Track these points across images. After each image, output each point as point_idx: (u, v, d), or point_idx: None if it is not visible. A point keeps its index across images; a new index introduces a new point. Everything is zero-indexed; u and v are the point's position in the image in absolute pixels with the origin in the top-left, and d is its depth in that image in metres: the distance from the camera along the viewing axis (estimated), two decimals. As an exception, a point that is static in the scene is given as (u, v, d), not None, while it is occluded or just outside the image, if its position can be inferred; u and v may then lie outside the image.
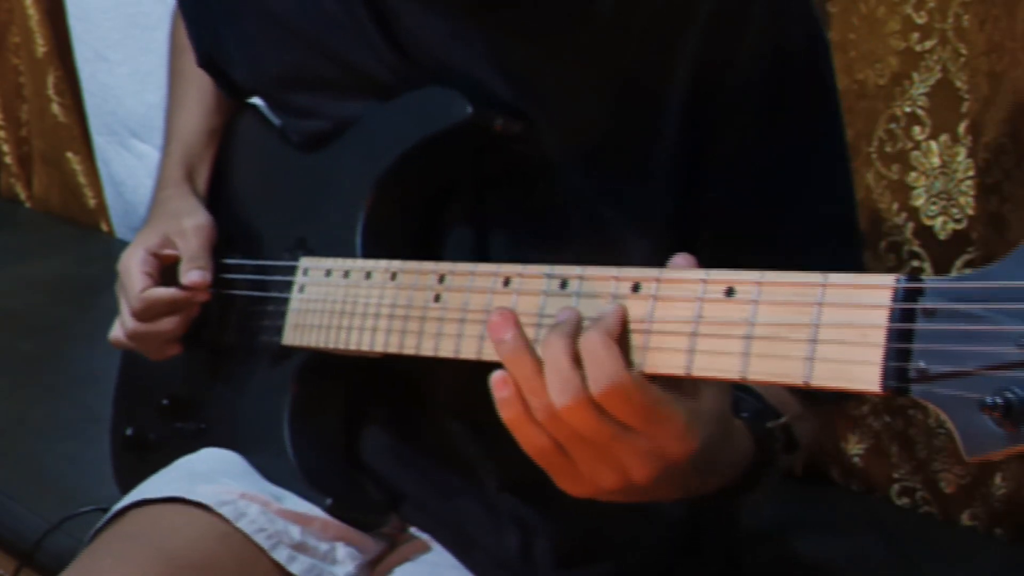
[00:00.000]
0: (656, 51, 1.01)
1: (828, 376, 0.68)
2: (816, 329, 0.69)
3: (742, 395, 0.92)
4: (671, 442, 0.76)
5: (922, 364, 0.64)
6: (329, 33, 1.10)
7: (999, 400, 0.61)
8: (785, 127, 1.03)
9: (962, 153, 1.46)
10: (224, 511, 1.07)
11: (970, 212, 1.47)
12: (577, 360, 0.76)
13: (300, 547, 1.07)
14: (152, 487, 1.13)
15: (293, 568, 1.06)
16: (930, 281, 0.65)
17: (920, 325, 0.64)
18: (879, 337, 0.66)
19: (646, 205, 1.03)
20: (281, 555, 1.06)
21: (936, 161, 1.48)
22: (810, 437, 1.01)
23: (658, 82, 1.01)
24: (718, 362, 0.73)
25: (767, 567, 1.37)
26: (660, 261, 0.79)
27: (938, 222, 1.50)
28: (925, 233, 1.50)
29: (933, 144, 1.48)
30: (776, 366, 0.70)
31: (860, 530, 1.56)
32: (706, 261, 0.76)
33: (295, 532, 1.07)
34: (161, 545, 1.04)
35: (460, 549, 1.12)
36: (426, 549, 1.13)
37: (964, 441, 0.62)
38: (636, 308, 0.77)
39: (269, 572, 1.06)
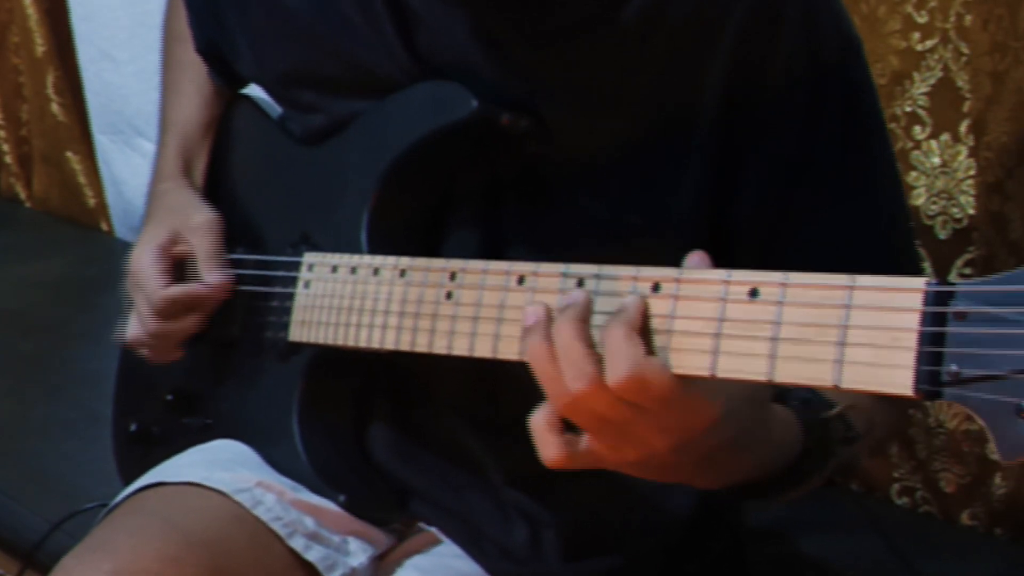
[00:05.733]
0: (685, 60, 1.00)
1: (859, 379, 0.68)
2: (845, 332, 0.68)
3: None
4: (691, 416, 0.76)
5: (954, 368, 0.64)
6: (340, 32, 1.10)
7: None
8: (822, 137, 1.01)
9: (963, 153, 1.46)
10: (241, 498, 1.08)
11: (971, 211, 1.47)
12: (590, 345, 0.76)
13: (315, 537, 1.08)
14: (169, 471, 1.13)
15: (309, 556, 1.07)
16: (960, 284, 0.65)
17: (952, 328, 0.64)
18: (911, 340, 0.66)
19: (669, 217, 1.02)
20: (298, 543, 1.07)
21: (936, 160, 1.49)
22: (879, 433, 0.99)
23: (688, 91, 1.00)
24: (743, 364, 0.72)
25: (769, 565, 1.37)
26: None
27: (938, 221, 1.50)
28: (925, 233, 1.50)
29: (934, 143, 1.48)
30: (804, 369, 0.70)
31: (860, 530, 1.56)
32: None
33: (309, 523, 1.08)
34: (177, 523, 1.05)
35: (468, 541, 1.12)
36: (434, 542, 1.13)
37: (999, 444, 0.62)
38: (657, 307, 0.76)
39: (283, 557, 1.07)
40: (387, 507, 1.13)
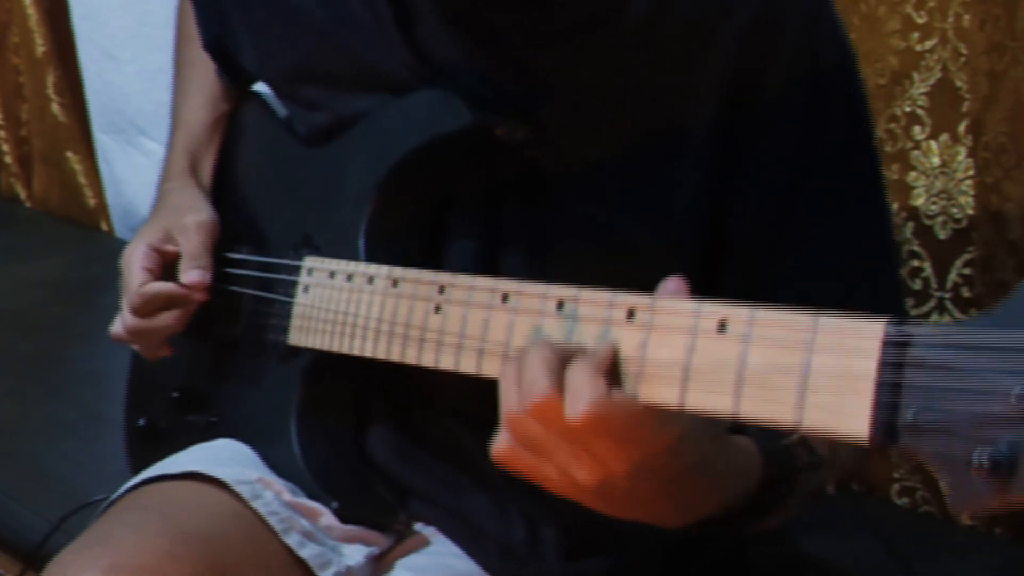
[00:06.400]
0: (685, 64, 1.00)
1: (818, 421, 0.67)
2: (806, 374, 0.68)
3: None
4: (649, 440, 0.77)
5: (910, 416, 0.63)
6: (343, 28, 1.10)
7: (985, 460, 0.60)
8: (822, 142, 1.02)
9: (962, 153, 1.46)
10: (241, 489, 1.08)
11: (970, 211, 1.47)
12: (551, 372, 0.76)
13: (310, 535, 1.08)
14: (171, 464, 1.14)
15: (303, 553, 1.07)
16: (919, 331, 0.64)
17: (909, 378, 0.64)
18: (868, 387, 0.65)
19: (668, 223, 1.03)
20: (292, 540, 1.07)
21: (936, 161, 1.48)
22: (847, 459, 0.99)
23: (687, 94, 1.00)
24: (710, 399, 0.72)
25: (769, 566, 1.37)
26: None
27: (938, 221, 1.50)
28: (925, 232, 1.51)
29: (933, 144, 1.48)
30: (767, 408, 0.70)
31: (860, 529, 1.56)
32: (726, 283, 0.76)
33: (305, 523, 1.09)
34: (175, 519, 1.05)
35: (467, 540, 1.12)
36: (431, 541, 1.13)
37: (951, 496, 0.62)
38: (630, 336, 0.77)
39: (279, 554, 1.07)
40: (383, 512, 1.13)
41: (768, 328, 0.71)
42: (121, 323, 1.20)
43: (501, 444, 0.80)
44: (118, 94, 2.56)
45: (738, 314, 0.72)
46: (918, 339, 0.64)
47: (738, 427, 0.87)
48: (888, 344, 0.65)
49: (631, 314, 0.77)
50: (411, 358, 0.95)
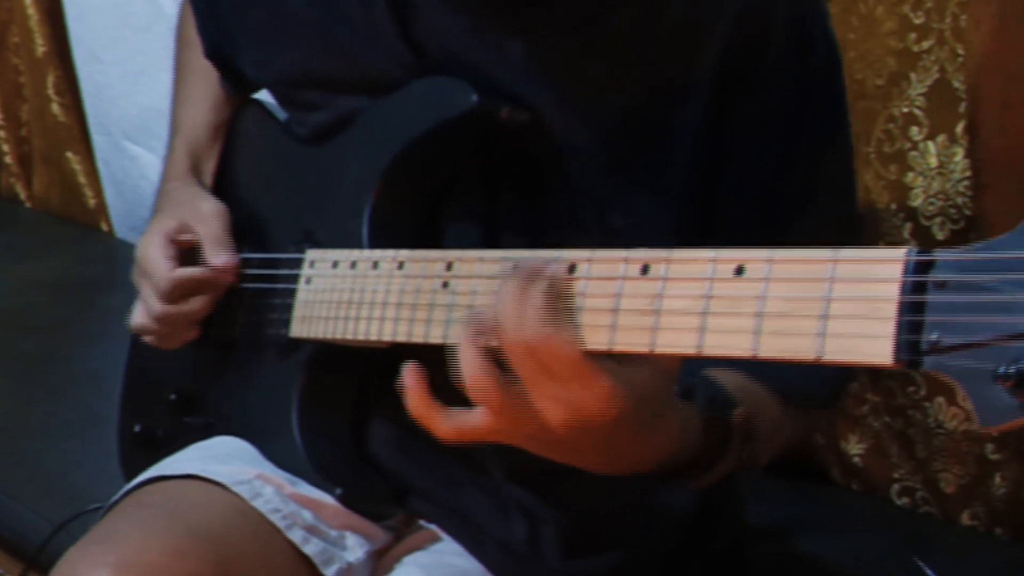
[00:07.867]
0: (676, 63, 1.02)
1: (840, 351, 0.68)
2: (827, 304, 0.68)
3: (697, 383, 0.92)
4: (591, 400, 0.78)
5: (934, 336, 0.64)
6: (340, 29, 1.11)
7: (1012, 370, 0.60)
8: (801, 142, 1.04)
9: (960, 153, 1.46)
10: (240, 490, 1.09)
11: (968, 212, 1.47)
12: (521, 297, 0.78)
13: (312, 530, 1.09)
14: (169, 466, 1.14)
15: (307, 549, 1.08)
16: (941, 253, 0.65)
17: (931, 297, 0.64)
18: (891, 310, 0.65)
19: (658, 215, 1.04)
20: (296, 536, 1.08)
21: (934, 161, 1.48)
22: (786, 436, 1.02)
23: (676, 94, 1.02)
24: (729, 340, 0.73)
25: (769, 565, 1.37)
26: None
27: (936, 222, 1.50)
28: (923, 233, 1.50)
29: (931, 144, 1.48)
30: (788, 343, 0.70)
31: (860, 529, 1.56)
32: None
33: (307, 515, 1.09)
34: (181, 516, 1.06)
35: (468, 538, 1.12)
36: (433, 539, 1.14)
37: (979, 412, 0.62)
38: (646, 289, 0.77)
39: (285, 551, 1.08)
40: (384, 502, 1.14)
41: (788, 266, 0.71)
42: (146, 312, 1.20)
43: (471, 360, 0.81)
44: (105, 97, 2.56)
45: (756, 255, 0.72)
46: (939, 260, 0.65)
47: (684, 393, 0.89)
48: (909, 267, 0.65)
49: (646, 268, 0.78)
50: (418, 336, 0.95)
